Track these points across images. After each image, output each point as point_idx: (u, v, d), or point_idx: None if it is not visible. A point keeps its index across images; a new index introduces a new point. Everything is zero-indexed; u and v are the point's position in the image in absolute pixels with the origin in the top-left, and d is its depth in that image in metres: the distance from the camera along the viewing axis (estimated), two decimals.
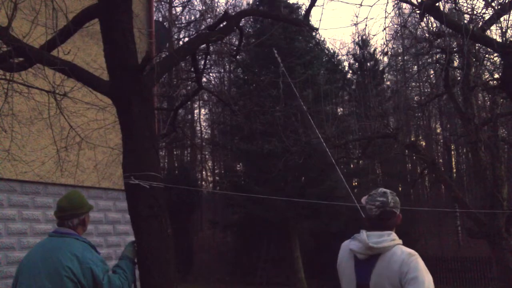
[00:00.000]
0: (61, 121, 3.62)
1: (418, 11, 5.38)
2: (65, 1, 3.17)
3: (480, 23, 6.19)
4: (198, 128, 27.09)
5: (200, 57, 12.54)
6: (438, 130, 26.05)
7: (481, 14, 6.13)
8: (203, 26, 18.87)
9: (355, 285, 2.32)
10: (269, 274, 18.95)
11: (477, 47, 7.95)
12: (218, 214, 23.44)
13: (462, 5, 6.95)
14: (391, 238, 2.29)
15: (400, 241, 2.33)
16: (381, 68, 23.58)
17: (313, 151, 12.36)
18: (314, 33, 19.25)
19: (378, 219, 2.35)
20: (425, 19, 6.72)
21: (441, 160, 24.88)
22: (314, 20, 27.49)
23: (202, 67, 6.01)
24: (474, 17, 6.38)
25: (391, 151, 18.41)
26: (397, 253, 2.25)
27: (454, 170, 24.92)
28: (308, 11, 4.79)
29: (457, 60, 9.63)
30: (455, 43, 8.04)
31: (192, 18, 24.33)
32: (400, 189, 24.33)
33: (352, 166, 22.76)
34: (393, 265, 2.21)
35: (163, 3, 21.92)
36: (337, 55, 24.28)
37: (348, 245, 2.42)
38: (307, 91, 15.55)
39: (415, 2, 5.45)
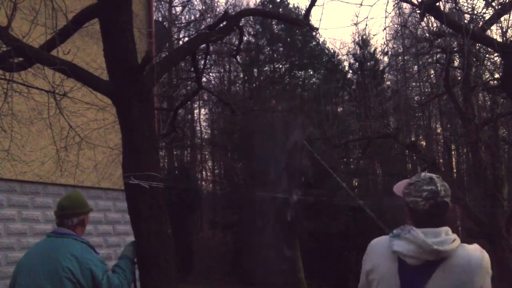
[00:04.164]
0: (61, 121, 3.62)
1: (418, 11, 5.37)
2: (65, 1, 3.17)
3: (481, 23, 6.19)
4: (198, 128, 27.09)
5: (200, 57, 12.54)
6: (438, 130, 26.02)
7: (482, 14, 6.13)
8: (203, 26, 18.87)
9: None
10: (268, 274, 18.94)
11: (477, 47, 7.96)
12: (218, 214, 23.41)
13: (463, 5, 6.95)
14: (452, 238, 1.81)
15: (459, 239, 1.84)
16: (381, 68, 23.57)
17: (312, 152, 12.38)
18: (314, 33, 19.25)
19: (428, 214, 1.85)
20: (425, 19, 6.72)
21: (441, 160, 24.84)
22: (314, 20, 27.45)
23: (202, 67, 6.02)
24: (474, 17, 6.38)
25: (391, 151, 18.41)
26: (471, 253, 1.80)
27: (454, 170, 24.89)
28: (308, 11, 4.78)
29: (458, 60, 9.63)
30: (456, 43, 8.04)
31: (192, 18, 24.32)
32: None
33: (352, 166, 22.75)
34: (475, 269, 1.77)
35: (163, 3, 21.92)
36: (337, 55, 24.30)
37: (388, 244, 1.88)
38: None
39: (416, 2, 5.45)
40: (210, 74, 24.37)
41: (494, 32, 9.64)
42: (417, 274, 1.78)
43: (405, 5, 7.99)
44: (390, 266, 1.85)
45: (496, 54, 7.45)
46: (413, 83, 22.31)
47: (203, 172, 28.00)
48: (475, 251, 1.83)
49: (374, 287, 1.90)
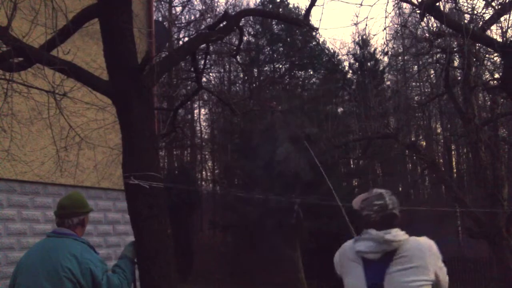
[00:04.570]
0: (61, 121, 3.62)
1: (418, 11, 5.37)
2: (65, 1, 3.16)
3: (481, 23, 6.19)
4: (198, 128, 27.09)
5: (200, 57, 12.54)
6: (439, 130, 26.03)
7: (482, 14, 6.13)
8: (203, 26, 18.86)
9: None
10: (269, 274, 18.94)
11: (477, 47, 7.95)
12: (218, 214, 23.42)
13: (462, 5, 6.95)
14: (402, 233, 2.13)
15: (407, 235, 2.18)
16: (381, 68, 23.58)
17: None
18: (314, 33, 19.24)
19: (379, 224, 2.15)
20: (425, 19, 6.72)
21: (441, 160, 24.86)
22: (314, 20, 27.45)
23: (202, 67, 6.02)
24: (474, 17, 6.38)
25: (391, 151, 18.42)
26: (420, 241, 2.12)
27: (455, 170, 24.90)
28: (308, 10, 4.78)
29: (458, 60, 9.64)
30: (456, 43, 8.04)
31: (192, 18, 24.32)
32: (400, 189, 24.35)
33: (352, 166, 22.76)
34: (425, 252, 2.07)
35: (163, 3, 21.92)
36: (337, 55, 24.30)
37: (351, 247, 2.20)
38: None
39: (416, 2, 5.45)
40: (210, 74, 24.38)
41: (494, 32, 9.64)
42: (378, 266, 2.08)
43: (405, 5, 8.00)
44: (355, 265, 2.15)
45: (496, 54, 7.45)
46: (413, 83, 22.31)
47: (203, 172, 28.01)
48: (424, 239, 2.14)
49: (346, 284, 2.21)
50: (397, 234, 2.11)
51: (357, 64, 23.95)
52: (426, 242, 2.13)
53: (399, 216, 2.22)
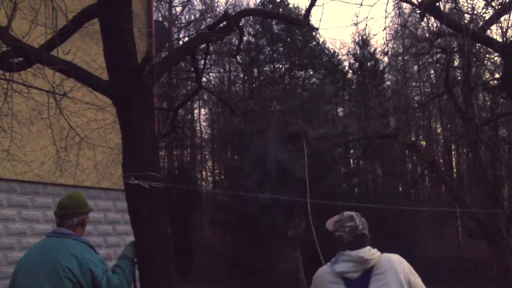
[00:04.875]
0: (61, 121, 3.62)
1: (418, 11, 5.37)
2: (65, 1, 3.16)
3: (481, 23, 6.20)
4: (198, 128, 27.08)
5: (200, 57, 12.54)
6: (439, 130, 26.03)
7: (482, 14, 6.13)
8: (203, 26, 18.86)
9: None
10: (269, 274, 18.94)
11: (477, 47, 7.96)
12: (218, 214, 23.41)
13: (463, 5, 6.95)
14: (374, 251, 2.31)
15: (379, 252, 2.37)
16: (381, 68, 23.57)
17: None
18: (314, 33, 19.24)
19: (351, 244, 2.32)
20: (425, 19, 6.72)
21: (441, 160, 24.85)
22: (314, 20, 27.45)
23: (202, 67, 6.02)
24: (474, 17, 6.38)
25: (391, 151, 18.41)
26: (391, 257, 2.30)
27: (455, 170, 24.90)
28: (308, 10, 4.78)
29: (458, 60, 9.64)
30: (456, 43, 8.04)
31: (192, 18, 24.31)
32: (400, 189, 24.34)
33: (352, 166, 22.75)
34: (397, 267, 2.24)
35: (163, 3, 21.92)
36: (337, 55, 24.29)
37: (329, 271, 2.34)
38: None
39: (416, 2, 5.44)
40: (210, 74, 24.37)
41: (494, 32, 9.64)
42: (360, 284, 2.23)
43: (405, 5, 8.00)
44: (338, 286, 2.27)
45: (496, 54, 7.45)
46: (413, 83, 22.31)
47: (203, 172, 28.01)
48: (394, 255, 2.32)
49: None
50: (371, 252, 2.29)
51: (357, 64, 23.94)
52: (397, 258, 2.31)
53: (368, 236, 2.39)
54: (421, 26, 7.96)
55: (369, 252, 2.28)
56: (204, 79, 20.53)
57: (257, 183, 15.73)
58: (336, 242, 2.40)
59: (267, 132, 15.49)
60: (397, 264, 2.27)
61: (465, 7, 6.78)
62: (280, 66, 25.01)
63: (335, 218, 2.46)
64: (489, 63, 8.60)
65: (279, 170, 15.59)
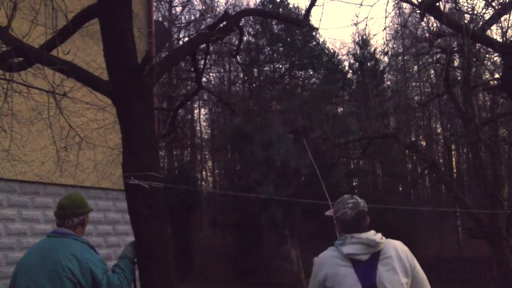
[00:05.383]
0: (61, 121, 3.61)
1: (418, 11, 5.37)
2: (65, 1, 3.16)
3: (481, 23, 6.19)
4: (198, 128, 27.08)
5: (200, 57, 12.54)
6: (439, 130, 26.04)
7: (482, 14, 6.13)
8: (203, 26, 18.86)
9: None
10: (269, 274, 18.94)
11: (477, 47, 7.95)
12: (218, 214, 23.41)
13: (463, 5, 6.95)
14: (380, 235, 2.35)
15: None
16: (381, 68, 23.57)
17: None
18: (314, 33, 19.25)
19: (355, 220, 2.36)
20: (425, 19, 6.72)
21: (441, 160, 24.87)
22: (314, 20, 27.46)
23: (202, 67, 6.02)
24: (474, 17, 6.38)
25: (391, 151, 18.41)
26: (396, 243, 2.36)
27: (455, 170, 24.91)
28: (308, 10, 4.78)
29: (458, 60, 9.64)
30: (456, 43, 8.04)
31: (192, 18, 24.33)
32: (400, 189, 24.35)
33: (352, 166, 22.76)
34: (401, 254, 2.31)
35: (163, 3, 21.92)
36: (337, 55, 24.30)
37: (335, 254, 2.34)
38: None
39: (416, 2, 5.44)
40: (210, 74, 24.38)
41: (494, 32, 9.64)
42: (368, 267, 2.26)
43: (405, 5, 8.00)
44: (346, 268, 2.28)
45: (496, 54, 7.45)
46: (413, 83, 22.31)
47: (203, 172, 28.01)
48: (398, 242, 2.40)
49: None
50: (378, 235, 2.34)
51: (357, 64, 23.94)
52: (401, 245, 2.39)
53: (368, 216, 2.44)
54: (421, 26, 7.97)
55: (379, 236, 2.33)
56: (204, 79, 20.54)
57: (259, 177, 15.74)
58: (339, 223, 2.44)
59: (269, 128, 15.50)
60: (401, 250, 2.33)
61: (465, 7, 6.79)
62: (280, 66, 25.02)
63: (335, 206, 2.52)
64: (489, 63, 8.60)
65: (282, 165, 15.60)
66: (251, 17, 21.48)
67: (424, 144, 23.75)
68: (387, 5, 16.54)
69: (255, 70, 24.87)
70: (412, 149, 9.94)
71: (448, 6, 7.16)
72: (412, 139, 19.08)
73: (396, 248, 2.32)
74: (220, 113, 23.82)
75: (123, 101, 3.02)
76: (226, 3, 25.97)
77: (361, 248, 2.28)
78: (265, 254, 18.64)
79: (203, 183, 27.10)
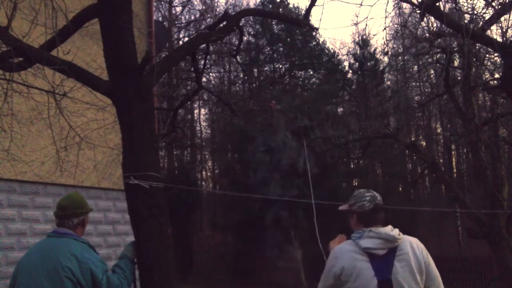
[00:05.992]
0: (61, 121, 3.61)
1: (418, 11, 5.37)
2: (65, 1, 3.16)
3: (481, 23, 6.19)
4: (198, 128, 27.08)
5: (200, 57, 12.53)
6: (439, 130, 26.03)
7: (482, 14, 6.13)
8: (203, 26, 18.86)
9: (376, 285, 2.26)
10: (269, 274, 18.93)
11: (477, 47, 7.95)
12: (218, 214, 23.41)
13: (463, 5, 6.94)
14: (398, 231, 2.37)
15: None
16: (381, 68, 23.56)
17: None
18: (314, 33, 19.25)
19: (372, 213, 2.40)
20: (425, 19, 6.71)
21: (441, 160, 24.86)
22: (314, 20, 27.45)
23: (202, 67, 6.02)
24: (474, 17, 6.38)
25: (391, 151, 18.41)
26: (412, 240, 2.39)
27: (455, 170, 24.90)
28: (308, 10, 4.78)
29: (458, 60, 9.64)
30: (456, 43, 8.04)
31: (192, 18, 24.32)
32: (400, 189, 24.34)
33: (352, 166, 22.75)
34: (417, 251, 2.35)
35: (163, 3, 21.91)
36: (337, 55, 24.29)
37: (352, 248, 2.35)
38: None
39: (416, 2, 5.44)
40: (210, 74, 24.37)
41: (494, 32, 9.65)
42: (385, 261, 2.29)
43: (405, 5, 8.00)
44: (363, 261, 2.30)
45: (496, 54, 7.45)
46: (413, 83, 22.31)
47: (203, 172, 28.00)
48: (415, 239, 2.43)
49: (351, 283, 2.31)
50: (396, 231, 2.36)
51: (357, 64, 23.94)
52: (417, 242, 2.42)
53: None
54: (421, 26, 7.96)
55: (396, 231, 2.35)
56: (204, 79, 20.53)
57: (263, 176, 15.72)
58: (356, 217, 2.45)
59: (272, 130, 15.50)
60: (417, 247, 2.37)
61: (465, 7, 6.78)
62: (280, 66, 25.02)
63: (351, 199, 2.52)
64: (489, 63, 8.60)
65: (285, 165, 15.59)
66: (251, 17, 21.49)
67: (424, 144, 23.75)
68: (387, 5, 16.57)
69: (255, 70, 24.87)
70: (412, 149, 9.94)
71: (448, 6, 7.17)
72: (412, 139, 19.08)
73: (412, 245, 2.35)
74: (220, 113, 23.80)
75: (123, 101, 3.03)
76: (226, 3, 25.98)
77: (379, 242, 2.31)
78: (267, 254, 18.64)
79: (203, 183, 27.10)
